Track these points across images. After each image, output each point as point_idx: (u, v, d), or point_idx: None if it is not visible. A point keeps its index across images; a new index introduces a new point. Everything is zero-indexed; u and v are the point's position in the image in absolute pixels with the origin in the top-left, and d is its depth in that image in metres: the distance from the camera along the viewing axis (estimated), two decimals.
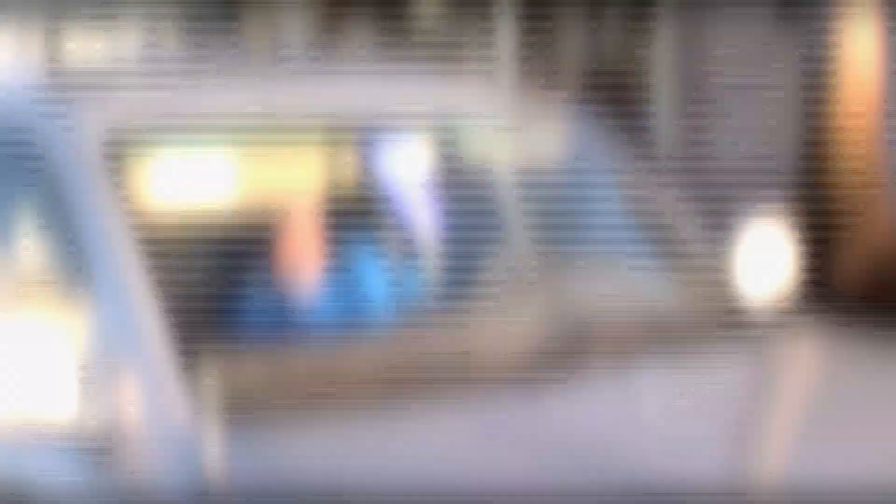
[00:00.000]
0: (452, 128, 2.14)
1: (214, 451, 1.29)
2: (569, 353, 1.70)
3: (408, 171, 1.94)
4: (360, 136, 1.97)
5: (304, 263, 2.09)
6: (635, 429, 1.54)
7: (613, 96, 5.76)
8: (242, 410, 1.44)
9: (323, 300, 2.02)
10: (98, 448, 1.43)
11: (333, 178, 1.92)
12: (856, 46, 4.37)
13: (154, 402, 1.43)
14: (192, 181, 1.70)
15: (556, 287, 2.05)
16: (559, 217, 2.88)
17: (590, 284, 2.06)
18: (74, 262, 1.60)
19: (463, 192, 2.43)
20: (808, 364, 1.94)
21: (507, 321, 1.87)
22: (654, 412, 1.65)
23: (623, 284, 2.10)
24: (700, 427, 1.58)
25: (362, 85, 2.18)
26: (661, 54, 6.02)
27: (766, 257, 2.18)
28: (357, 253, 2.10)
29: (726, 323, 1.94)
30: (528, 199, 3.14)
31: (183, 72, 2.00)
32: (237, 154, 1.81)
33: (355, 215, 2.14)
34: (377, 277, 2.10)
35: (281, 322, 1.97)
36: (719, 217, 2.42)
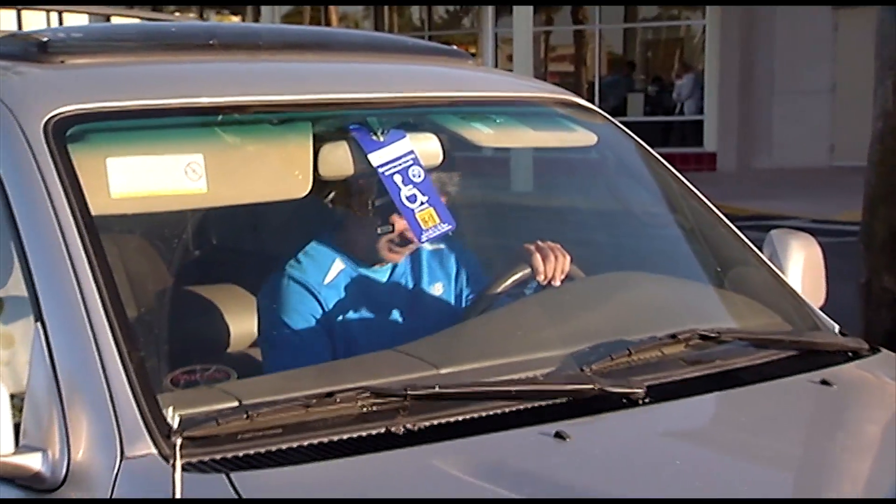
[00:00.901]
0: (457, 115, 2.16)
1: (180, 490, 1.30)
2: (610, 377, 1.71)
3: (408, 162, 1.96)
4: (350, 124, 1.98)
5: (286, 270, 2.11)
6: (691, 465, 1.55)
7: None
8: (211, 444, 1.46)
9: (304, 315, 2.04)
10: (46, 487, 1.44)
11: (315, 171, 1.93)
12: None
13: (110, 435, 1.44)
14: (154, 175, 1.71)
15: (590, 301, 2.07)
16: (585, 222, 2.91)
17: (634, 301, 2.08)
18: (15, 270, 1.61)
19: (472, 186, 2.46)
20: (882, 399, 1.94)
21: (537, 334, 1.88)
22: (709, 451, 1.66)
23: (671, 303, 2.11)
24: (762, 466, 1.58)
25: (352, 66, 2.20)
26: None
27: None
28: (346, 261, 2.12)
29: (788, 351, 1.95)
30: (550, 197, 3.16)
31: (142, 48, 2.01)
32: (206, 144, 1.82)
33: (344, 215, 2.16)
34: (371, 288, 2.12)
35: (258, 341, 1.99)
36: (780, 227, 2.43)
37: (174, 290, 2.03)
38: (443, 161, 2.12)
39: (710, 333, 1.90)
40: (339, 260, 2.11)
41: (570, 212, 3.07)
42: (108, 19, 3.64)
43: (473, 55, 2.57)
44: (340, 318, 2.06)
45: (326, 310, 2.06)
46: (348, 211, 2.11)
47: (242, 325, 2.14)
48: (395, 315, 2.13)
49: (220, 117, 1.85)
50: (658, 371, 1.78)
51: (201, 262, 2.26)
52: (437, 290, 2.21)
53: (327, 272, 2.09)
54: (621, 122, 2.41)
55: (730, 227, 2.28)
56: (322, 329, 2.03)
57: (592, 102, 2.43)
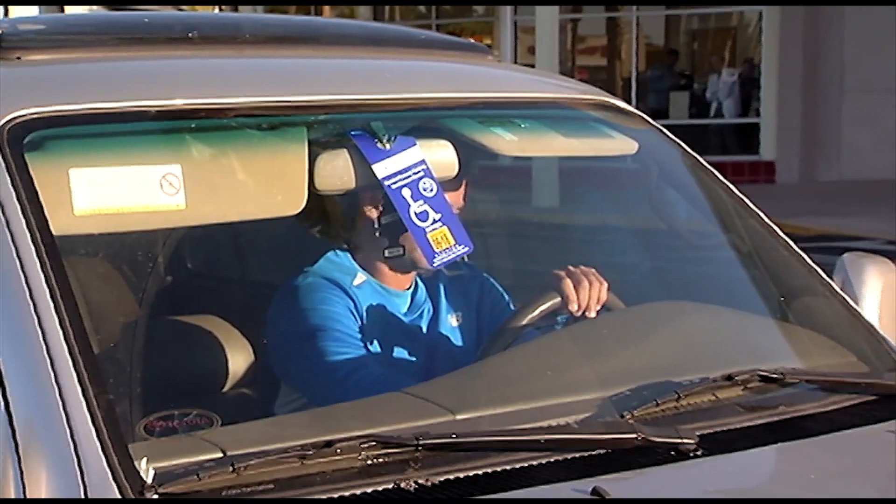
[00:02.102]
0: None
1: None
2: (656, 425, 1.73)
3: (419, 173, 1.99)
4: (351, 130, 2.01)
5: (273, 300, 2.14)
6: None
7: None
8: (191, 501, 1.47)
9: (340, 308, 2.06)
10: None
11: (311, 184, 1.95)
12: None
13: (73, 491, 1.45)
14: (124, 189, 1.73)
15: (631, 336, 2.08)
16: (624, 242, 2.93)
17: (683, 336, 2.09)
18: None
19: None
20: None
21: (569, 374, 1.90)
22: None
23: (726, 339, 2.12)
24: None
25: (354, 63, 2.23)
26: None
27: None
28: (366, 276, 2.15)
29: (865, 396, 1.96)
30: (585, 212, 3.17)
31: (111, 42, 2.05)
32: (185, 154, 1.85)
33: (341, 234, 2.19)
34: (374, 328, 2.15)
35: (239, 383, 2.02)
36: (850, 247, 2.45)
37: (147, 323, 2.05)
38: (458, 172, 2.14)
39: (773, 374, 1.91)
40: (361, 273, 2.17)
41: (604, 231, 3.08)
42: (62, 9, 3.68)
43: (489, 48, 2.61)
44: (372, 328, 2.11)
45: (360, 310, 2.11)
46: (352, 230, 2.14)
47: (226, 362, 2.16)
48: (413, 350, 2.16)
49: (200, 122, 1.89)
50: (711, 418, 1.80)
51: (178, 290, 2.28)
52: (454, 322, 2.24)
53: (354, 277, 2.15)
54: (662, 126, 2.44)
55: (793, 250, 2.30)
56: (358, 324, 2.08)
57: (628, 103, 2.47)
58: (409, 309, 2.21)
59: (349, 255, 2.18)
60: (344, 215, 2.14)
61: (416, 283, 2.25)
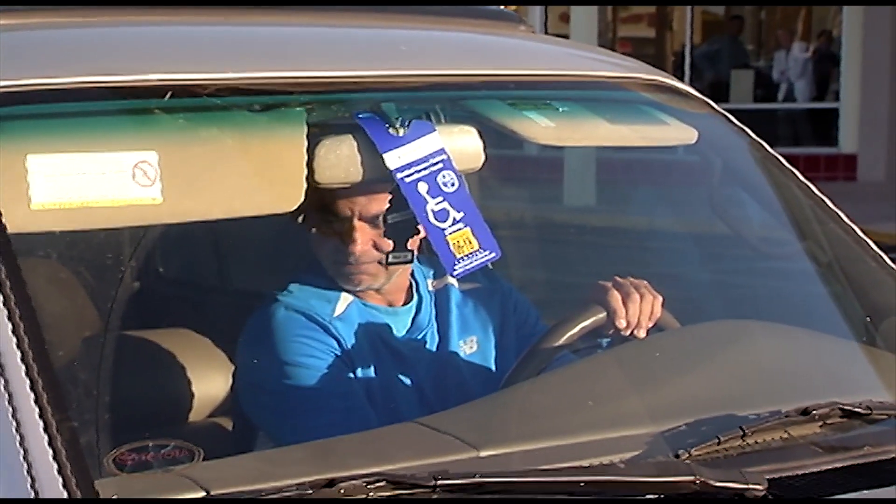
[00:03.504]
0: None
1: None
2: (717, 466, 1.74)
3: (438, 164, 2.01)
4: (358, 112, 2.03)
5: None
6: None
7: None
8: None
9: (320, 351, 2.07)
10: None
11: (310, 175, 1.97)
12: None
13: None
14: (91, 180, 1.76)
15: (688, 360, 2.10)
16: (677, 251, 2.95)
17: (749, 361, 2.10)
18: None
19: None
20: None
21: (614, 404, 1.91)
22: None
23: (801, 365, 2.13)
24: None
25: (362, 33, 2.26)
26: None
27: None
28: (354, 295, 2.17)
29: None
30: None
31: (74, 4, 2.07)
32: (163, 138, 1.88)
33: (337, 236, 2.21)
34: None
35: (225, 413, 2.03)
36: None
37: (117, 338, 2.07)
38: (484, 164, 2.16)
39: (857, 409, 1.92)
40: (344, 295, 2.17)
41: (655, 236, 3.09)
42: None
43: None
44: (361, 366, 2.12)
45: (346, 348, 2.11)
46: (349, 231, 2.15)
47: (206, 384, 2.18)
48: (418, 377, 2.17)
49: (180, 102, 1.90)
50: (783, 460, 1.82)
51: (151, 300, 2.31)
52: (466, 349, 2.25)
53: (335, 304, 2.16)
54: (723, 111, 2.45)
55: (882, 261, 2.31)
56: (347, 372, 2.09)
57: (681, 82, 2.48)
58: (408, 330, 2.22)
59: (331, 268, 2.17)
60: (342, 213, 2.14)
61: (420, 299, 2.26)
